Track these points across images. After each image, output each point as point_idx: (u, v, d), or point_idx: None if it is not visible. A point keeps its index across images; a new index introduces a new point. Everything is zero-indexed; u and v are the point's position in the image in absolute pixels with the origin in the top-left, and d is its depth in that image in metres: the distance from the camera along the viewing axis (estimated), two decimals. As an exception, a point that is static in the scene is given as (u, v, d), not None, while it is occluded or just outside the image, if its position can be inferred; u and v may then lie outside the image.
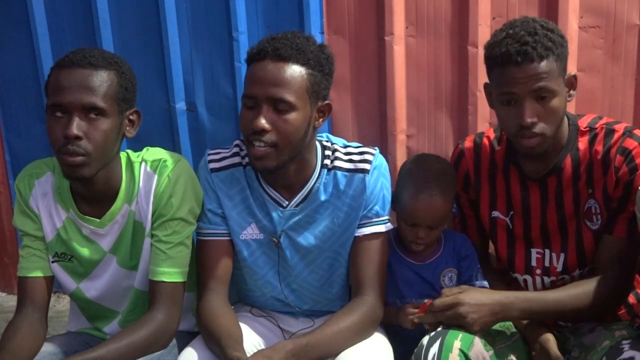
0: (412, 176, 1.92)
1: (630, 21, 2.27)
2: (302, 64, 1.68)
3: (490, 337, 1.76)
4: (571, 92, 1.78)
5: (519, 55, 1.65)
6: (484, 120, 2.40)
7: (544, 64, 1.65)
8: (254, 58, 1.71)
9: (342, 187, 1.83)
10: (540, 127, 1.70)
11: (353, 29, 2.48)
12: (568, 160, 1.83)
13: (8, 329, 1.74)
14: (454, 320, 1.70)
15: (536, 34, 1.67)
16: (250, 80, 1.70)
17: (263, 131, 1.66)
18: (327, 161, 1.84)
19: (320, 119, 1.78)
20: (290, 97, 1.66)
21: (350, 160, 1.84)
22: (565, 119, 1.83)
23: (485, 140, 1.98)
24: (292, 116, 1.68)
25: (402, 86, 2.46)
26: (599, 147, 1.80)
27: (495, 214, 1.96)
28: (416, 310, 1.84)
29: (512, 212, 1.93)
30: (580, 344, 1.84)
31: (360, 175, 1.82)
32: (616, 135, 1.79)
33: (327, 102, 1.78)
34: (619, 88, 2.33)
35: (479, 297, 1.74)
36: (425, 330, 1.83)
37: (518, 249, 1.95)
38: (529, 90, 1.66)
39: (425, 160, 1.98)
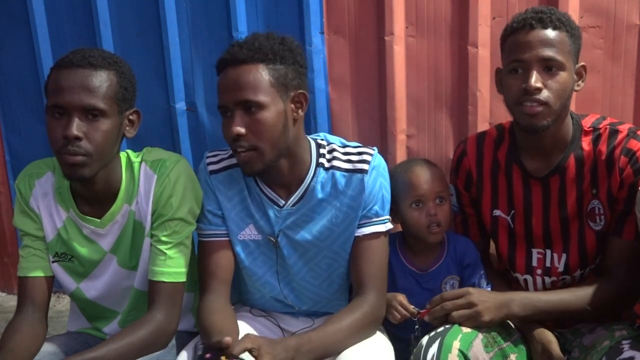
0: (401, 169, 2.00)
1: (630, 21, 2.27)
2: (261, 62, 1.69)
3: (491, 337, 1.77)
4: (579, 82, 1.79)
5: (534, 20, 1.72)
6: (484, 120, 2.40)
7: (556, 33, 1.71)
8: (218, 69, 1.74)
9: (340, 187, 1.83)
10: (544, 96, 1.70)
11: (353, 29, 2.48)
12: (572, 160, 1.83)
13: (8, 329, 1.74)
14: (465, 310, 1.72)
15: (553, 10, 1.76)
16: (218, 91, 1.73)
17: (239, 136, 1.68)
18: (323, 160, 1.84)
19: (299, 110, 1.77)
20: (254, 97, 1.67)
21: (349, 161, 1.84)
22: (569, 117, 1.83)
23: (488, 139, 1.98)
24: (264, 115, 1.68)
25: (402, 86, 2.45)
26: (603, 148, 1.80)
27: (497, 212, 1.96)
28: (411, 310, 1.86)
29: (513, 211, 1.93)
30: (580, 344, 1.84)
31: (359, 175, 1.82)
32: (620, 136, 1.79)
33: (300, 91, 1.76)
34: (619, 88, 2.33)
35: (484, 292, 1.81)
36: (415, 329, 1.84)
37: (519, 248, 1.95)
38: (538, 58, 1.70)
39: (408, 159, 2.12)
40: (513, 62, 1.74)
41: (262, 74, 1.68)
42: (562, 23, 1.72)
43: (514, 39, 1.75)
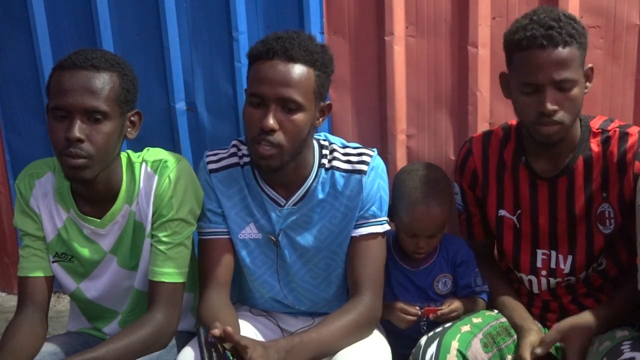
0: (407, 188, 1.93)
1: (630, 21, 2.27)
2: (310, 65, 1.69)
3: (491, 338, 1.77)
4: (587, 84, 1.77)
5: (544, 38, 1.65)
6: (484, 120, 2.39)
7: (567, 51, 1.66)
8: (260, 56, 1.70)
9: (339, 187, 1.83)
10: (560, 115, 1.69)
11: (353, 29, 2.47)
12: (580, 161, 1.82)
13: (8, 329, 1.74)
14: None
15: (560, 20, 1.68)
16: (258, 79, 1.69)
17: (272, 131, 1.67)
18: (325, 160, 1.85)
19: (320, 119, 1.79)
20: (299, 98, 1.67)
21: (349, 161, 1.84)
22: (577, 119, 1.83)
23: (494, 139, 1.97)
24: (300, 117, 1.69)
25: (402, 86, 2.45)
26: (614, 151, 1.79)
27: (502, 212, 1.95)
28: (414, 312, 1.86)
29: (519, 211, 1.92)
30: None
31: (358, 176, 1.82)
32: (631, 140, 1.78)
33: (328, 102, 1.79)
34: (619, 88, 2.32)
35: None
36: (421, 329, 1.84)
37: (524, 249, 1.94)
38: (552, 80, 1.66)
39: (419, 170, 1.98)
40: (526, 85, 1.70)
41: (311, 79, 1.69)
42: (572, 37, 1.66)
43: (524, 57, 1.68)
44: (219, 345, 1.52)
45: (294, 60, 1.67)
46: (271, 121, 1.66)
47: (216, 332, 1.51)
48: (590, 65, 1.77)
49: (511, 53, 1.74)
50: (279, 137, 1.68)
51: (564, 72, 1.66)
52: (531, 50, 1.66)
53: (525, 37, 1.68)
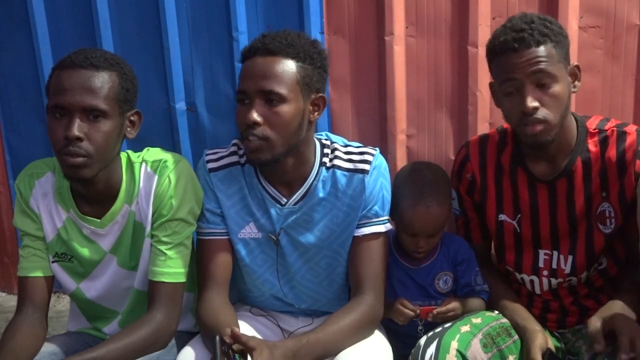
0: (407, 187, 1.93)
1: (630, 21, 2.27)
2: (292, 57, 1.70)
3: (490, 338, 1.77)
4: (575, 82, 1.77)
5: (516, 42, 1.67)
6: (484, 120, 2.40)
7: (541, 49, 1.67)
8: (245, 56, 1.74)
9: (341, 186, 1.83)
10: (543, 113, 1.68)
11: (353, 29, 2.48)
12: (579, 163, 1.82)
13: (8, 329, 1.74)
14: None
15: (532, 22, 1.70)
16: (241, 76, 1.73)
17: (255, 124, 1.68)
18: (326, 159, 1.85)
19: (316, 113, 1.78)
20: (280, 89, 1.67)
21: (350, 160, 1.84)
22: (573, 119, 1.82)
23: (490, 143, 1.96)
24: (284, 108, 1.69)
25: (402, 86, 2.45)
26: (612, 150, 1.79)
27: (502, 217, 1.94)
28: (412, 307, 1.86)
29: (519, 215, 1.91)
30: (583, 335, 1.86)
31: (360, 175, 1.82)
32: (629, 139, 1.77)
33: (320, 94, 1.78)
34: (619, 88, 2.32)
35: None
36: (418, 330, 1.84)
37: (525, 251, 1.94)
38: (528, 74, 1.66)
39: (419, 170, 1.99)
40: (505, 83, 1.71)
41: (291, 70, 1.69)
42: (545, 35, 1.67)
43: (500, 61, 1.71)
44: (230, 350, 1.52)
45: (273, 53, 1.69)
46: (254, 115, 1.67)
47: (228, 339, 1.53)
48: (575, 63, 1.77)
49: (490, 61, 1.77)
50: (264, 130, 1.69)
51: (538, 65, 1.66)
52: (505, 54, 1.68)
53: (499, 43, 1.70)
